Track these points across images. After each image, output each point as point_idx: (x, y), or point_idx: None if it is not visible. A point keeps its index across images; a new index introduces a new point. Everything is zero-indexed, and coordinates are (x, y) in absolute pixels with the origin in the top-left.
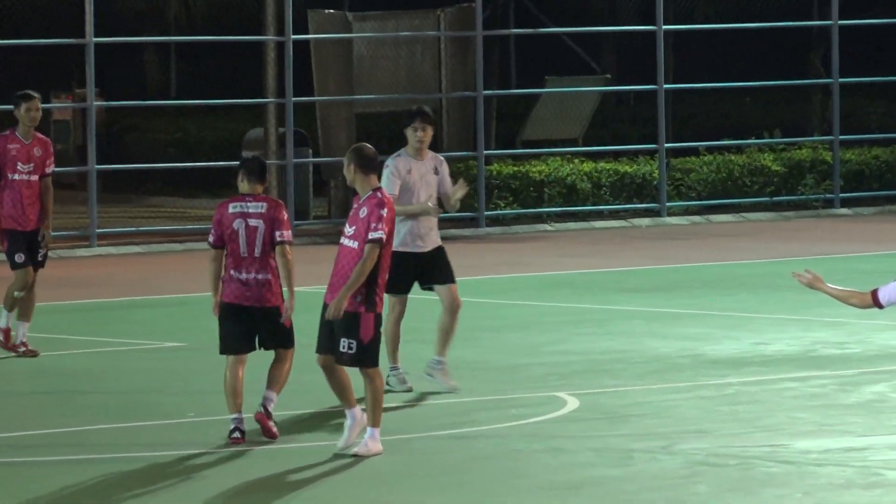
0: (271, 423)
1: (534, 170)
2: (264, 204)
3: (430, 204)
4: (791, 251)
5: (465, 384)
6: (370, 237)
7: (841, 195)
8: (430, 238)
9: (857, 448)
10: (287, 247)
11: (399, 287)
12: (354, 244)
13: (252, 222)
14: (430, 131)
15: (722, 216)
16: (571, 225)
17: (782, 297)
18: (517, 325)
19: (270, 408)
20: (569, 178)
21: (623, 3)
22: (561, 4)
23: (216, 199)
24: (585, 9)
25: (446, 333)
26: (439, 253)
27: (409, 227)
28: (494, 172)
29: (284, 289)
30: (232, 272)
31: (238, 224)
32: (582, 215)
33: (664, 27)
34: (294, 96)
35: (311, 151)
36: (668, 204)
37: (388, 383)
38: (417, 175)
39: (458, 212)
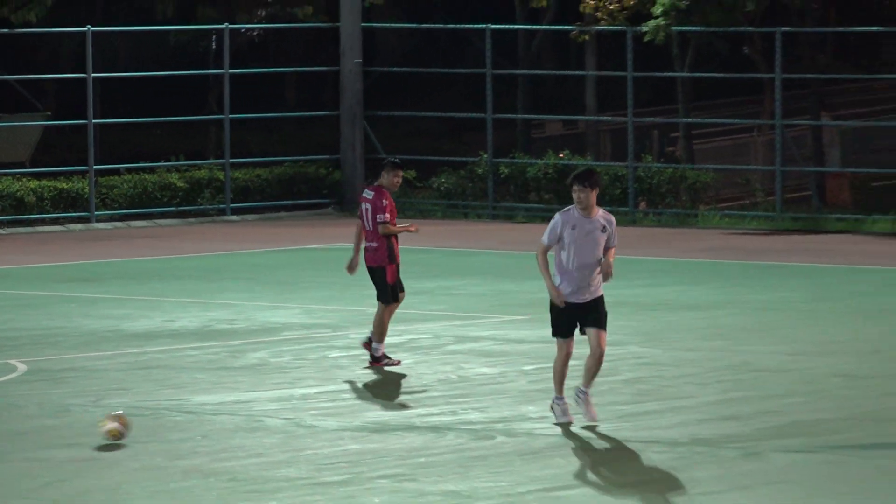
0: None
1: None
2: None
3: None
4: (194, 249)
5: None
6: None
7: (231, 205)
8: (592, 291)
9: (244, 401)
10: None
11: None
12: None
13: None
14: (591, 193)
15: (140, 222)
16: (20, 230)
17: (186, 285)
18: None
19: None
20: (18, 192)
21: (64, 52)
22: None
23: None
24: (31, 55)
25: (590, 371)
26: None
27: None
28: None
29: None
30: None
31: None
32: (29, 222)
33: (93, 75)
34: None
35: None
36: (96, 213)
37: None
38: (583, 232)
39: None
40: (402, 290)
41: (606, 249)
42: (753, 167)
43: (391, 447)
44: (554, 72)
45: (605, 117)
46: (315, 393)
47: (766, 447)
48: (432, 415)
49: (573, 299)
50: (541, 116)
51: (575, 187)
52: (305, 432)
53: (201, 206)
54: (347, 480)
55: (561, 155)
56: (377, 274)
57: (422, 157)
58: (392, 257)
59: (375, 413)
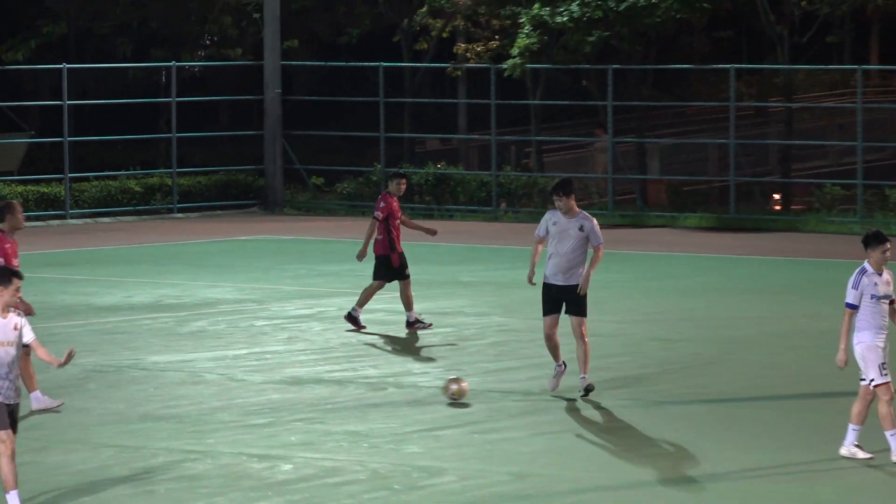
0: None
1: None
2: None
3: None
4: (148, 240)
5: None
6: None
7: (178, 206)
8: (567, 276)
9: (188, 360)
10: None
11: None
12: None
13: None
14: (567, 200)
15: (105, 219)
16: None
17: (142, 268)
18: None
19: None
20: (7, 195)
21: (44, 84)
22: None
23: None
24: (19, 86)
25: (581, 359)
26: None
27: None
28: None
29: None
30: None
31: None
32: None
33: (68, 102)
34: None
35: None
36: (70, 211)
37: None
38: (561, 228)
39: None
40: (405, 271)
41: (595, 247)
42: (591, 175)
43: (304, 396)
44: (433, 100)
45: (473, 136)
46: (244, 354)
47: (600, 396)
48: (336, 371)
49: (557, 280)
50: (423, 135)
51: (553, 197)
52: (237, 385)
53: (154, 206)
54: (270, 423)
55: (439, 166)
56: (380, 259)
57: (329, 167)
58: (392, 247)
59: (292, 370)
